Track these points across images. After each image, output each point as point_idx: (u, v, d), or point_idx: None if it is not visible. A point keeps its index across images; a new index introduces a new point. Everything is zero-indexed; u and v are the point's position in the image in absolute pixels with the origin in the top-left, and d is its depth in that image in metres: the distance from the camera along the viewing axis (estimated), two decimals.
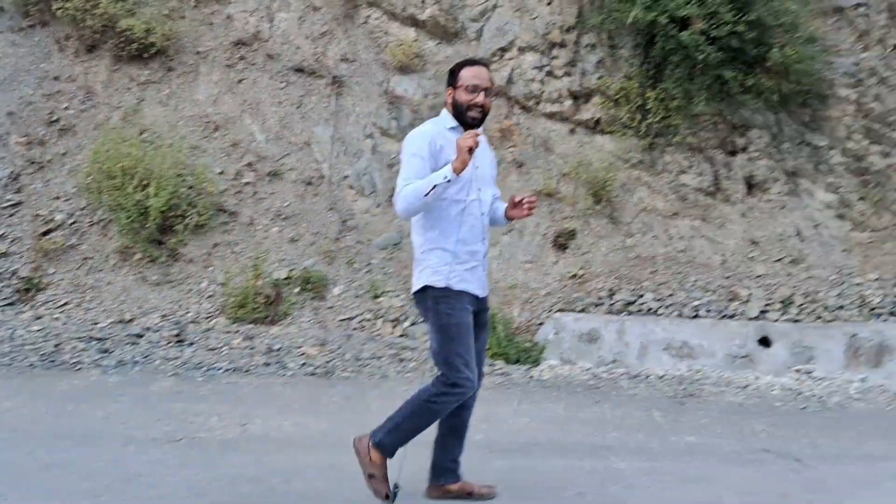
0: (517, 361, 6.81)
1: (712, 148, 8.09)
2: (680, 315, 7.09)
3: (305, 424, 4.71)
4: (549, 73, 8.65)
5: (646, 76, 8.09)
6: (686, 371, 6.44)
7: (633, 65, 8.19)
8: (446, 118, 3.50)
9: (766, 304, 7.06)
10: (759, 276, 7.45)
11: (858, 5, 8.08)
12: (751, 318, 7.00)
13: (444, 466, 3.56)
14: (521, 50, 8.82)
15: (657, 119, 7.99)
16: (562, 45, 8.65)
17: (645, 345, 6.99)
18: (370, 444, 3.39)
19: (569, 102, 8.54)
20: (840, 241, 7.64)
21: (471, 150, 3.19)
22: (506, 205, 3.59)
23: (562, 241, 7.99)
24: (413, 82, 9.09)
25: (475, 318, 3.45)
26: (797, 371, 6.33)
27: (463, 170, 3.21)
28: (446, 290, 3.34)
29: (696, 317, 7.08)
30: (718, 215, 7.95)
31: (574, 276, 7.73)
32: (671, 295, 7.27)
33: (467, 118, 3.42)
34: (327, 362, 6.16)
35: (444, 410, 3.38)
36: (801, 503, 3.60)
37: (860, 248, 7.56)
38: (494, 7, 9.21)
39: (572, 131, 8.60)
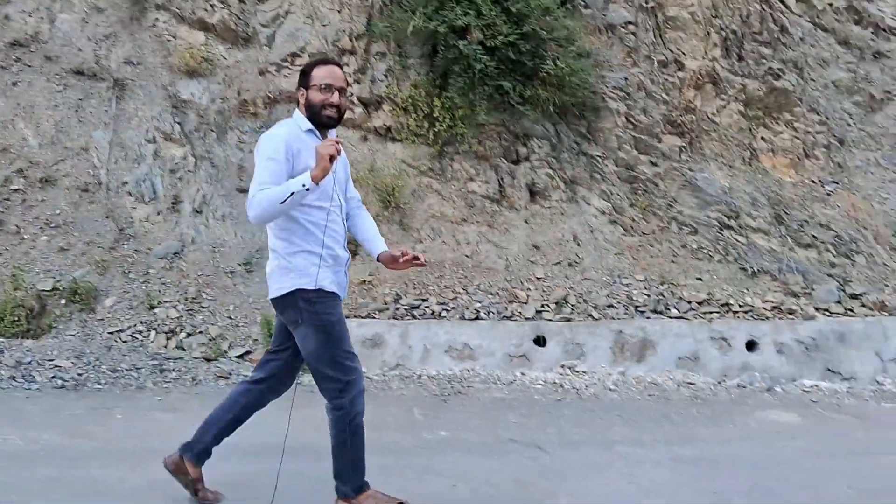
0: None
1: (497, 156, 8.33)
2: (462, 318, 7.19)
3: (36, 438, 4.32)
4: None
5: (433, 84, 8.21)
6: (458, 370, 6.52)
7: (420, 73, 8.30)
8: (300, 120, 3.34)
9: (543, 305, 7.31)
10: (539, 278, 7.72)
11: (628, 23, 8.60)
12: (527, 319, 7.21)
13: (205, 447, 3.44)
14: (312, 56, 8.69)
15: (444, 127, 8.12)
16: (352, 52, 8.62)
17: (428, 348, 7.04)
18: (344, 501, 3.31)
19: (359, 110, 8.50)
20: (613, 244, 8.06)
21: (332, 159, 3.05)
22: (379, 247, 3.53)
23: (352, 248, 7.89)
24: (201, 86, 8.76)
25: None
26: (562, 367, 6.56)
27: (322, 178, 3.05)
28: (319, 291, 3.22)
29: (476, 319, 7.20)
30: (503, 221, 8.18)
31: (364, 282, 7.67)
32: (454, 298, 7.37)
33: (322, 118, 3.29)
34: (79, 374, 5.73)
35: (361, 414, 3.27)
36: (532, 487, 3.67)
37: (630, 252, 8.01)
38: (287, 13, 9.06)
39: (364, 138, 8.58)
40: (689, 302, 7.43)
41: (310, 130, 3.31)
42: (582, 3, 8.69)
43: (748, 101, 8.66)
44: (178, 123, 8.45)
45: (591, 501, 3.66)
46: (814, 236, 8.07)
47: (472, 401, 5.57)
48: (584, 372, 6.48)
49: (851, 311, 7.47)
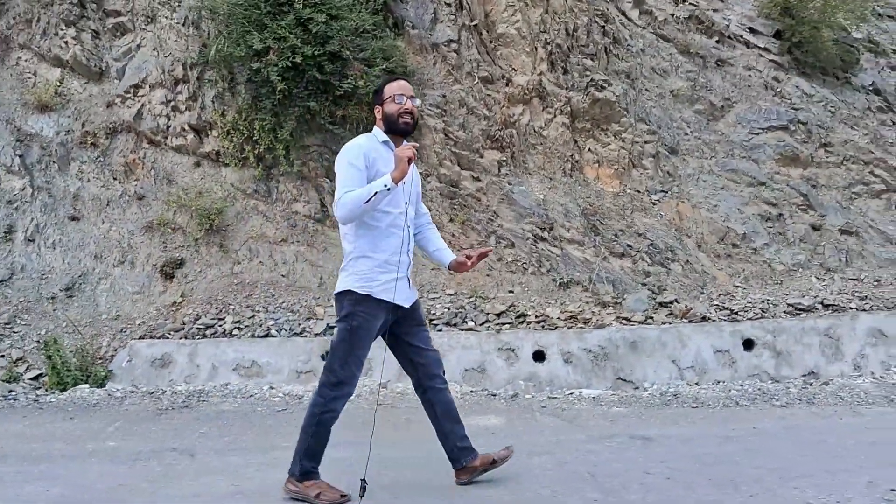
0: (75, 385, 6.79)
1: (320, 176, 8.44)
2: (253, 336, 7.28)
3: None
4: (175, 108, 8.83)
5: (254, 108, 8.39)
6: (200, 386, 6.60)
7: (244, 98, 8.49)
8: (378, 133, 3.68)
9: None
10: None
11: (451, 41, 8.71)
12: (316, 335, 7.27)
13: (458, 448, 3.74)
14: (152, 87, 8.97)
15: (264, 149, 8.29)
16: (185, 80, 8.86)
17: (216, 366, 7.13)
18: (291, 481, 3.57)
19: (191, 136, 8.72)
20: (431, 260, 8.07)
21: (409, 161, 3.38)
22: (449, 256, 3.82)
23: (168, 271, 8.08)
24: (51, 120, 9.06)
25: (403, 322, 3.66)
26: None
27: (401, 179, 3.41)
28: (367, 296, 3.51)
29: (266, 336, 7.28)
30: (324, 241, 8.28)
31: (174, 303, 7.82)
32: (252, 317, 7.46)
33: (400, 125, 3.63)
34: None
35: (338, 412, 3.55)
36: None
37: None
38: (139, 46, 9.36)
39: (197, 164, 8.78)
40: (487, 314, 7.42)
41: (385, 142, 3.65)
42: (409, 24, 8.83)
43: (574, 114, 8.68)
44: (20, 156, 8.73)
45: None
46: (629, 245, 8.02)
47: (193, 412, 5.63)
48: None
49: (651, 319, 7.38)
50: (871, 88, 9.78)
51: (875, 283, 7.99)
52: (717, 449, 4.60)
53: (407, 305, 3.65)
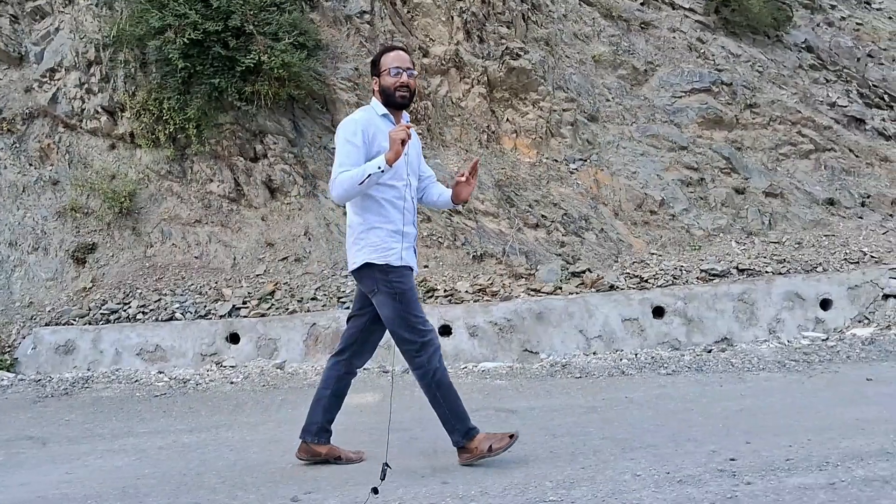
0: None
1: (235, 155, 8.32)
2: (157, 319, 7.21)
3: None
4: (89, 91, 8.69)
5: (162, 88, 8.25)
6: (86, 373, 6.54)
7: (153, 78, 8.34)
8: (376, 106, 3.60)
9: (244, 302, 7.29)
10: (258, 275, 7.69)
11: (364, 13, 8.54)
12: (221, 317, 7.20)
13: (323, 427, 3.68)
14: (68, 70, 8.83)
15: (176, 129, 8.16)
16: (97, 61, 8.71)
17: (119, 351, 7.07)
18: (461, 448, 3.54)
19: (105, 118, 8.59)
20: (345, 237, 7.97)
21: (403, 143, 3.33)
22: (449, 191, 3.74)
23: (80, 256, 8.00)
24: None
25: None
26: (215, 363, 6.54)
27: (396, 161, 3.37)
28: (386, 265, 3.47)
29: (171, 319, 7.21)
30: (238, 220, 8.18)
31: (84, 289, 7.75)
32: (158, 300, 7.39)
33: (396, 99, 3.55)
34: None
35: (441, 369, 3.50)
36: None
37: None
38: (57, 30, 9.20)
39: (112, 146, 8.66)
40: None
41: (384, 115, 3.57)
42: None
43: (492, 84, 8.53)
44: None
45: None
46: (543, 216, 7.91)
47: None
48: (232, 367, 6.43)
49: (560, 290, 7.29)
50: (803, 46, 9.59)
51: (796, 246, 7.89)
52: (574, 420, 4.54)
53: (416, 271, 3.67)
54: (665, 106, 8.74)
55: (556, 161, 8.32)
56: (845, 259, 7.65)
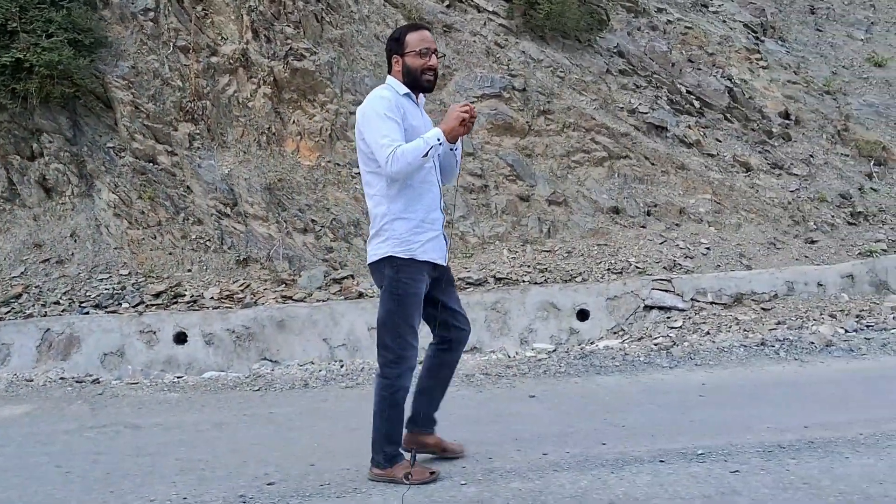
0: None
1: (10, 154, 8.14)
2: None
3: None
4: None
5: None
6: None
7: None
8: (396, 85, 3.44)
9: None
10: (14, 277, 7.54)
11: (148, 10, 8.37)
12: None
13: (429, 416, 3.60)
14: None
15: None
16: None
17: None
18: (375, 469, 3.41)
19: None
20: (116, 238, 7.85)
21: (463, 123, 3.19)
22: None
23: None
24: None
25: (439, 281, 3.43)
26: None
27: (455, 140, 3.28)
28: (410, 260, 3.31)
29: None
30: (9, 220, 8.00)
31: None
32: None
33: (423, 82, 3.41)
34: None
35: (405, 391, 3.38)
36: None
37: (132, 245, 7.79)
38: None
39: None
40: (143, 294, 7.22)
41: (406, 94, 3.42)
42: None
43: (280, 85, 8.39)
44: None
45: None
46: (313, 220, 7.81)
47: None
48: None
49: (310, 296, 7.20)
50: (615, 51, 9.52)
51: (566, 255, 7.83)
52: (183, 437, 4.44)
53: (445, 264, 3.49)
54: None
55: (339, 165, 8.21)
56: (609, 269, 7.60)
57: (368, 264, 3.47)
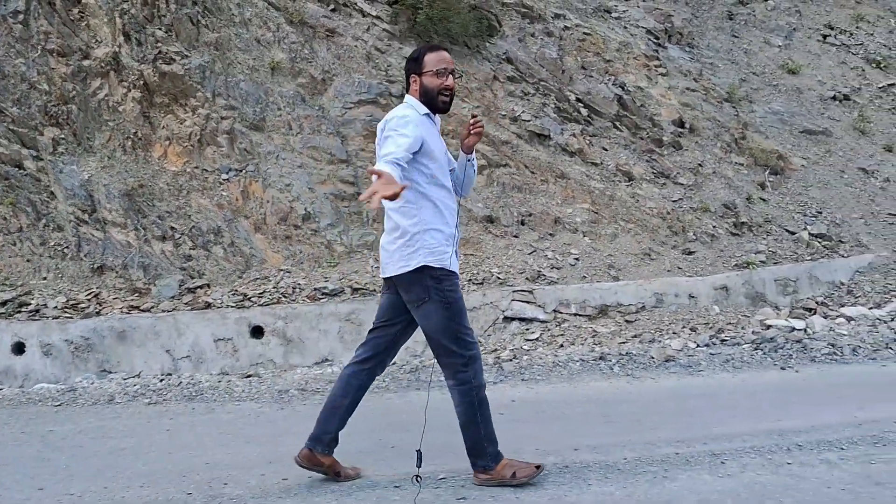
0: None
1: None
2: None
3: None
4: None
5: None
6: None
7: None
8: (416, 105, 3.49)
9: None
10: None
11: (18, 12, 8.23)
12: None
13: (333, 436, 3.58)
14: None
15: None
16: None
17: None
18: (483, 473, 3.46)
19: None
20: None
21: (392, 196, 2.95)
22: (463, 156, 3.68)
23: None
24: None
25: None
26: None
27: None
28: (443, 269, 3.38)
29: None
30: None
31: None
32: None
33: (439, 103, 3.48)
34: None
35: (484, 387, 3.47)
36: None
37: None
38: None
39: None
40: None
41: (426, 114, 3.49)
42: None
43: (152, 89, 8.25)
44: None
45: None
46: (173, 228, 7.67)
47: None
48: None
49: (156, 306, 7.07)
50: (503, 58, 9.40)
51: None
52: None
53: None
54: (336, 117, 8.52)
55: (207, 171, 8.08)
56: (470, 280, 7.48)
57: (395, 276, 3.46)
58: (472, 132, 3.58)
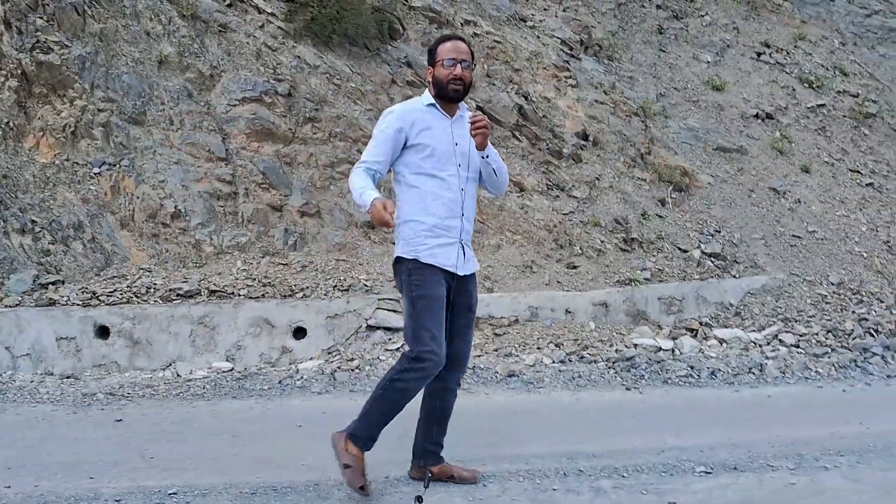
0: None
1: None
2: None
3: None
4: None
5: None
6: None
7: None
8: (425, 96, 3.59)
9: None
10: None
11: None
12: None
13: (425, 449, 3.69)
14: None
15: None
16: None
17: None
18: (345, 436, 3.43)
19: None
20: None
21: (385, 224, 3.15)
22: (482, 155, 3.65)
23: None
24: None
25: (457, 301, 3.46)
26: None
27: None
28: (416, 262, 3.40)
29: None
30: None
31: None
32: None
33: (448, 92, 3.49)
34: None
35: (412, 389, 3.39)
36: None
37: None
38: None
39: None
40: None
41: (431, 104, 3.54)
42: None
43: (31, 79, 8.05)
44: None
45: None
46: (33, 221, 7.46)
47: None
48: None
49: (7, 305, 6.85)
50: (404, 61, 9.24)
51: (300, 269, 7.53)
52: None
53: (460, 273, 3.50)
54: (221, 114, 8.33)
55: (78, 164, 7.88)
56: (335, 286, 7.30)
57: (393, 266, 3.63)
58: (474, 132, 3.49)
